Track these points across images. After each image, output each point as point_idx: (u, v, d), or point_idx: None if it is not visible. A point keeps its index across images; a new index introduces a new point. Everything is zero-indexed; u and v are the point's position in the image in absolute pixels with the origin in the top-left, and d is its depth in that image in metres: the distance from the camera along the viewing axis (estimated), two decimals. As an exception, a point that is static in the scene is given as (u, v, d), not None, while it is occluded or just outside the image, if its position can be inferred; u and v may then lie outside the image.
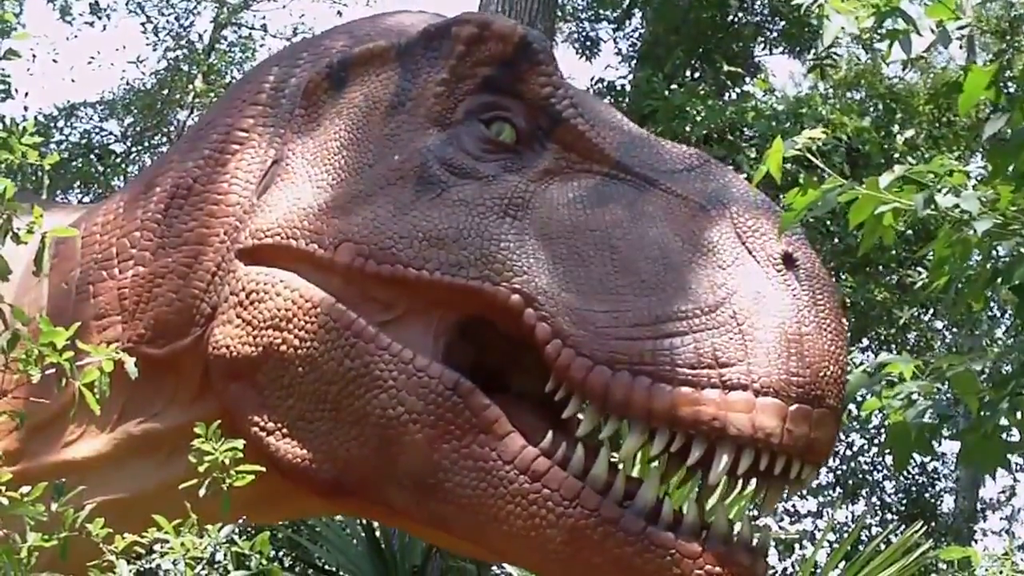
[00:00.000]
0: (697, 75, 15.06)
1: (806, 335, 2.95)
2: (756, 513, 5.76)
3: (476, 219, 3.21)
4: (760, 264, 3.03)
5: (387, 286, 3.25)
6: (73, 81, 26.34)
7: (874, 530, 15.72)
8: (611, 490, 3.03)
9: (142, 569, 2.86)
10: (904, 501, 16.90)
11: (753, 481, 3.05)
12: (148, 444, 3.59)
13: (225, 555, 2.80)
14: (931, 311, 14.58)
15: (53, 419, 3.61)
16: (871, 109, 13.88)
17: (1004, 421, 4.37)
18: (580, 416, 3.11)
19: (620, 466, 3.15)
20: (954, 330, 15.23)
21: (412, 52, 3.51)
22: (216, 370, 3.44)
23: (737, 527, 3.02)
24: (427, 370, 3.15)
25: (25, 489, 2.84)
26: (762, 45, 16.10)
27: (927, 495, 17.07)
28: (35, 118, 15.39)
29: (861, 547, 9.27)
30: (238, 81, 4.41)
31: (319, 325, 3.25)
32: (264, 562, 2.74)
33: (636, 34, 16.67)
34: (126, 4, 18.19)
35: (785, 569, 14.79)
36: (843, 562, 6.98)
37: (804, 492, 16.73)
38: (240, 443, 2.85)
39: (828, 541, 13.49)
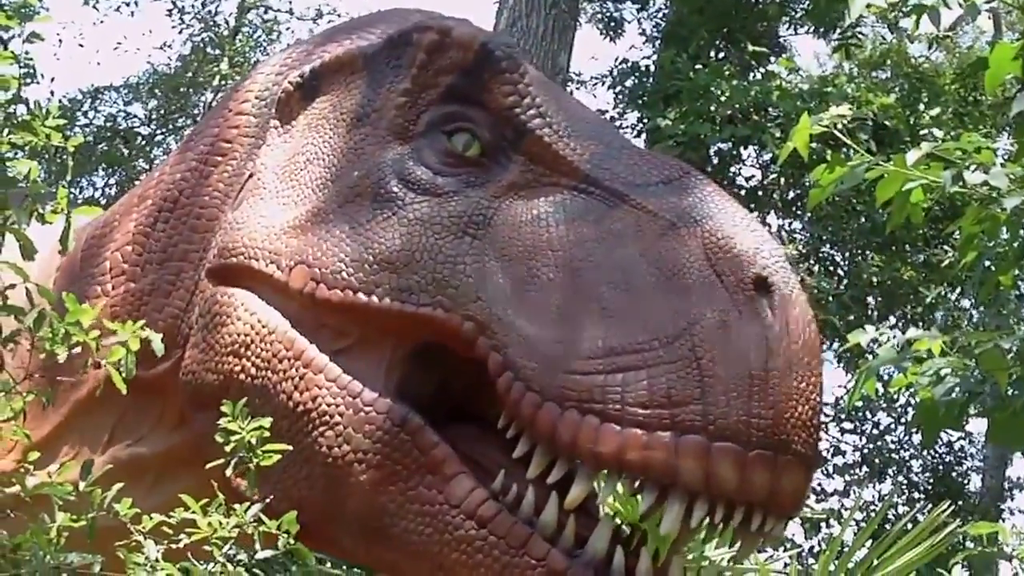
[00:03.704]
0: (722, 55, 15.04)
1: (772, 371, 2.62)
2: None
3: (431, 239, 2.97)
4: (728, 290, 2.68)
5: (338, 313, 3.03)
6: (99, 64, 26.40)
7: (901, 509, 15.70)
8: (561, 537, 2.77)
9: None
10: (931, 480, 16.90)
11: (724, 528, 2.75)
12: (135, 469, 3.42)
13: (252, 534, 2.79)
14: (958, 290, 14.55)
15: (49, 441, 3.52)
16: (896, 88, 13.85)
17: (1033, 398, 4.37)
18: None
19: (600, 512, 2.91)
20: (981, 309, 15.18)
21: (377, 60, 3.30)
22: (184, 397, 3.29)
23: None
24: (375, 405, 2.93)
25: (53, 468, 2.84)
26: (787, 24, 16.08)
27: (954, 474, 17.06)
28: (60, 101, 15.46)
29: (888, 526, 9.25)
30: (231, 87, 4.24)
31: (272, 353, 3.07)
32: (292, 541, 2.73)
33: (660, 14, 16.66)
34: (151, -12, 18.31)
35: (812, 548, 14.78)
36: (870, 541, 6.93)
37: (830, 471, 16.72)
38: (267, 422, 2.81)
39: (855, 520, 13.48)
